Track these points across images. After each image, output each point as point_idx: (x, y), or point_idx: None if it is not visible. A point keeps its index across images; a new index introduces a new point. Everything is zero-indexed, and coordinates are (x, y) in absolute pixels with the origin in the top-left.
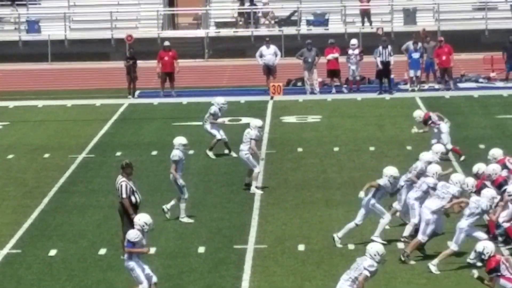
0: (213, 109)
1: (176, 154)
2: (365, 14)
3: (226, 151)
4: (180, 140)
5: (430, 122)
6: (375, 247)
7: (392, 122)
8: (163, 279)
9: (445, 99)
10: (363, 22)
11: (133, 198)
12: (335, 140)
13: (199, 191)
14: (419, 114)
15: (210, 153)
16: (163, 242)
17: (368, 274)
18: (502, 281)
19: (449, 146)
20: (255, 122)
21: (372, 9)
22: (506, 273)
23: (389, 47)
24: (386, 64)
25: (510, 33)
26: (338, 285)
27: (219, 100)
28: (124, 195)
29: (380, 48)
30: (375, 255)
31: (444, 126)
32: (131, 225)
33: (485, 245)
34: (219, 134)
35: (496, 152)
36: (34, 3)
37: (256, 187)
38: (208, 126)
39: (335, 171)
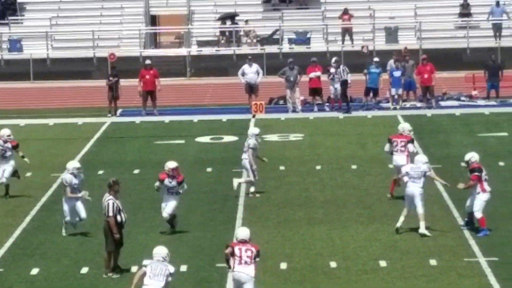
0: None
1: (66, 178)
2: (347, 32)
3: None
4: (73, 164)
5: None
6: (164, 249)
7: (374, 140)
8: None
9: (427, 117)
10: (343, 41)
11: (118, 217)
12: (317, 158)
13: (181, 210)
14: None
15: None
16: None
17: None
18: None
19: None
20: (252, 130)
21: (354, 28)
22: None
23: (341, 66)
24: (342, 83)
25: (492, 51)
26: None
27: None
28: (110, 213)
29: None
30: (167, 255)
31: None
32: (115, 244)
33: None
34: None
35: None
36: (16, 22)
37: (239, 182)
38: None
39: (317, 190)
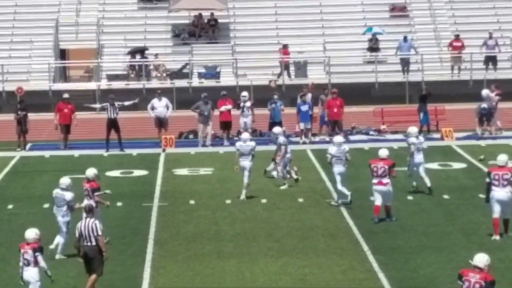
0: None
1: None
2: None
3: None
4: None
5: None
6: (67, 180)
7: None
8: None
9: None
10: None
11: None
12: (227, 192)
13: None
14: None
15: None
16: None
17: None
18: None
19: None
20: (277, 129)
21: (263, 62)
22: None
23: (115, 104)
24: (113, 121)
25: (400, 86)
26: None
27: None
28: (100, 232)
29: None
30: (69, 184)
31: None
32: (101, 263)
33: None
34: None
35: None
36: None
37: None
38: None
39: (227, 223)
